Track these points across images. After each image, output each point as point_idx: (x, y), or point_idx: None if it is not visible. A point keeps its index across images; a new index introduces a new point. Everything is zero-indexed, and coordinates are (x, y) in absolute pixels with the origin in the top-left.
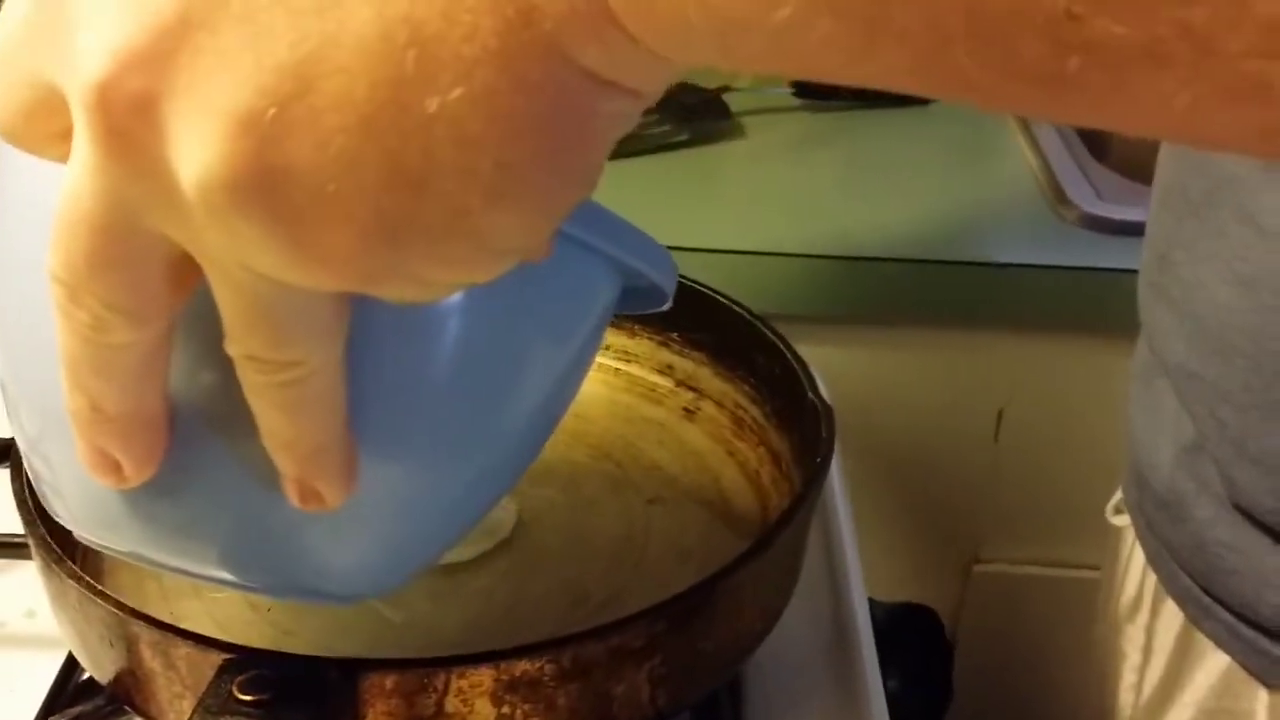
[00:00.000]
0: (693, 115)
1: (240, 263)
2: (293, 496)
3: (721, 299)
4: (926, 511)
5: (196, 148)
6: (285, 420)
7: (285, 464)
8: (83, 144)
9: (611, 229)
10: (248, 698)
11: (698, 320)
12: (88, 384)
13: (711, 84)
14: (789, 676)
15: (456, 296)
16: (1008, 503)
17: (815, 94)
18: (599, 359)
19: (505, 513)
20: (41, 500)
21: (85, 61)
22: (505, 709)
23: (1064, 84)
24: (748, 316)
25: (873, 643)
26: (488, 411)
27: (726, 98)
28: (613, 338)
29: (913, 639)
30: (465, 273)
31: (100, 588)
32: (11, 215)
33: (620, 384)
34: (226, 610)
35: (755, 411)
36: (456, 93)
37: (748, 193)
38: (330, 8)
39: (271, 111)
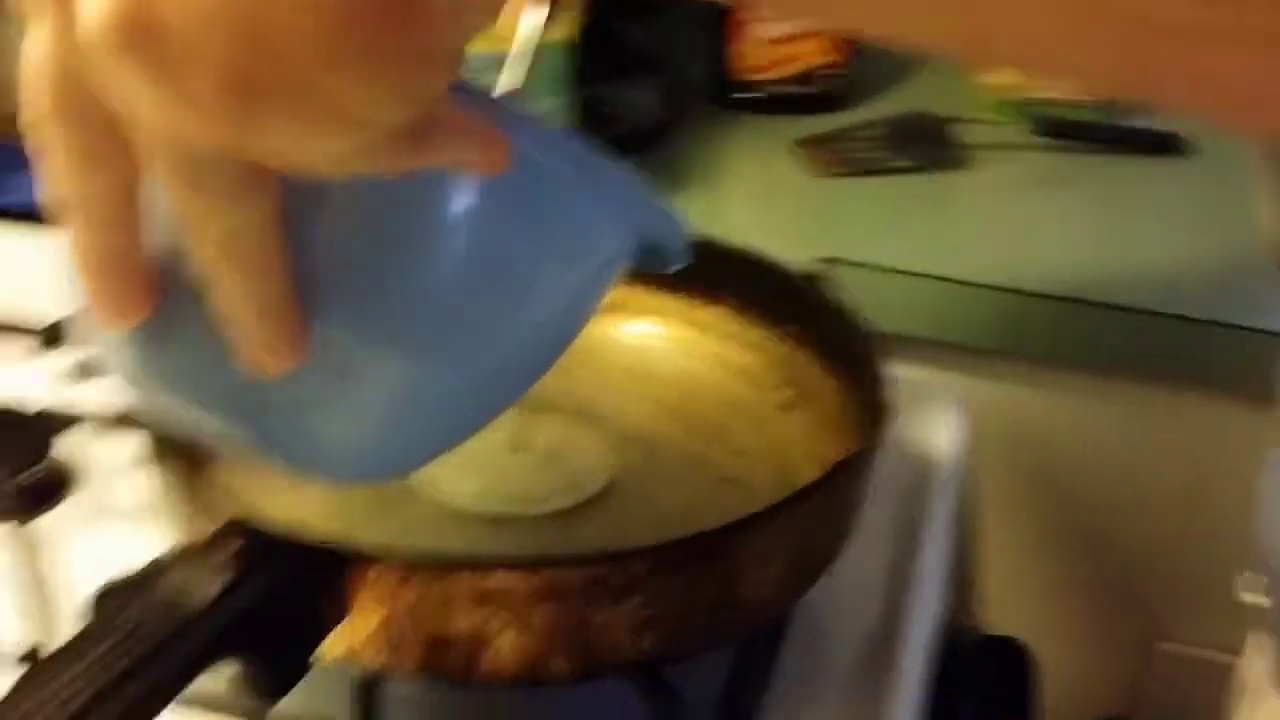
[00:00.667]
0: (919, 141)
1: (145, 110)
2: (241, 356)
3: (833, 304)
4: (1114, 581)
5: (92, 5)
6: (222, 275)
7: (230, 324)
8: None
9: (626, 190)
10: (224, 554)
11: (810, 320)
12: (79, 222)
13: (942, 112)
14: (820, 662)
15: (457, 206)
16: (1198, 580)
17: (1057, 133)
18: (720, 348)
19: (599, 469)
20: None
21: None
22: (482, 616)
23: None
24: (854, 322)
25: (920, 667)
26: (473, 322)
27: (960, 129)
28: (735, 328)
29: (992, 669)
30: (328, 137)
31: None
32: None
33: (732, 371)
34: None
35: (845, 411)
36: None
37: (963, 223)
38: None
39: None
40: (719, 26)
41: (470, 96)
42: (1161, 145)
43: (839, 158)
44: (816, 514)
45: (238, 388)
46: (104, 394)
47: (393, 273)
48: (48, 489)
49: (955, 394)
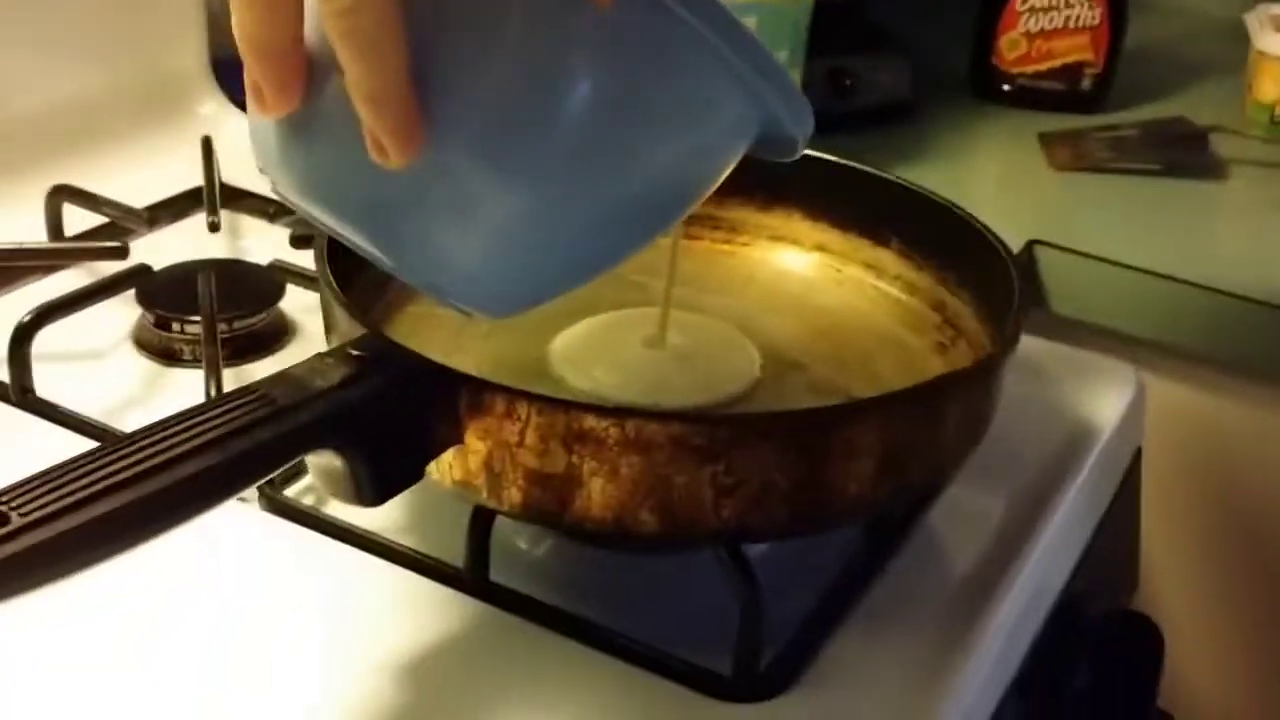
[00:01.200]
0: (1171, 146)
1: None
2: (369, 148)
3: (998, 247)
4: (1263, 589)
5: None
6: (346, 56)
7: (359, 108)
8: None
9: (759, 59)
10: (353, 351)
11: (973, 263)
12: (235, 5)
13: (1203, 121)
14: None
15: (589, 43)
16: None
17: None
18: (887, 288)
19: (741, 374)
20: (256, 159)
21: None
22: (575, 458)
23: None
24: (1005, 260)
25: (1019, 619)
26: (595, 158)
27: (1219, 141)
28: (901, 269)
29: (1121, 640)
30: None
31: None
32: None
33: (896, 312)
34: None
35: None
36: None
37: (1201, 230)
38: None
39: None
40: (986, 15)
41: None
42: None
43: (1080, 152)
44: (909, 419)
45: (374, 198)
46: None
47: (517, 99)
48: (270, 336)
49: (1135, 371)
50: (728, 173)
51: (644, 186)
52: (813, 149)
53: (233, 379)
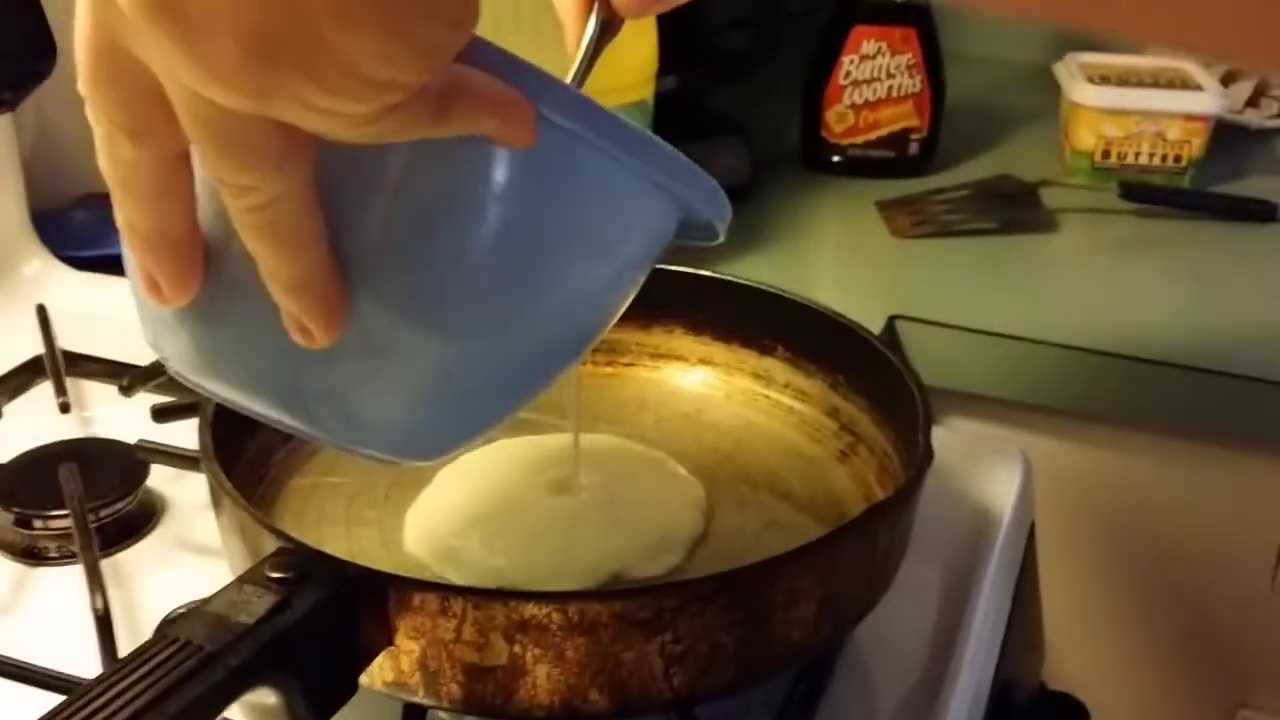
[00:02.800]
0: (1005, 204)
1: (173, 78)
2: (288, 328)
3: (883, 351)
4: (1190, 644)
5: None
6: (263, 249)
7: (275, 294)
8: None
9: (662, 158)
10: (275, 575)
11: (864, 369)
12: (121, 200)
13: (1030, 177)
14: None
15: (497, 182)
16: None
17: (1144, 198)
18: (778, 397)
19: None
20: (144, 333)
21: None
22: (517, 648)
23: None
24: (901, 370)
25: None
26: (513, 297)
27: (1046, 193)
28: (790, 377)
29: None
30: (347, 99)
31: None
32: None
33: (791, 421)
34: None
35: (897, 460)
36: None
37: (1047, 284)
38: None
39: None
40: (811, 91)
41: (501, 65)
42: (1249, 212)
43: (921, 218)
44: (848, 557)
45: (280, 370)
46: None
47: (428, 249)
48: (140, 519)
49: (1021, 449)
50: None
51: (570, 311)
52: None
53: (110, 573)
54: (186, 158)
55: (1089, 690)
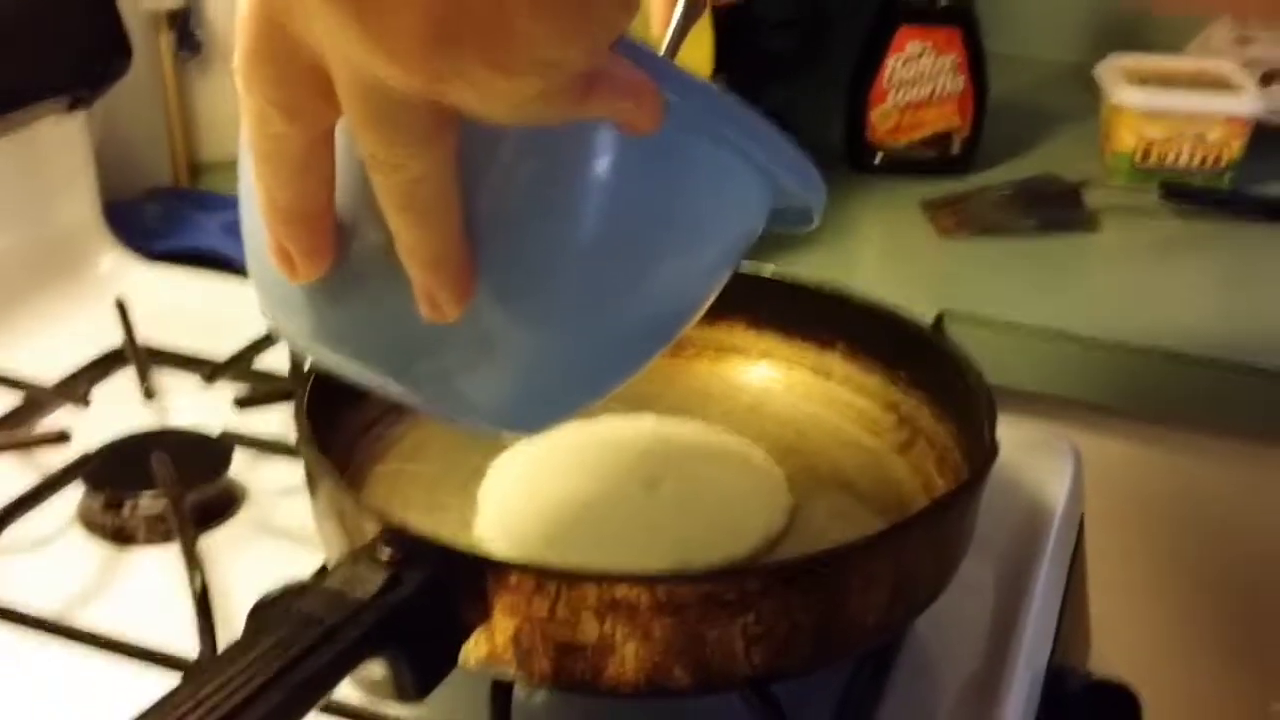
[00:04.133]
0: (1048, 203)
1: (345, 59)
2: (420, 305)
3: (945, 347)
4: (1236, 635)
5: None
6: (403, 224)
7: (411, 270)
8: None
9: (771, 144)
10: (386, 554)
11: (924, 364)
12: (262, 172)
13: (1073, 177)
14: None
15: (610, 166)
16: None
17: (1184, 198)
18: (837, 391)
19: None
20: (267, 322)
21: None
22: (607, 626)
23: None
24: (963, 365)
25: (1024, 703)
26: (620, 282)
27: (1088, 193)
28: (849, 371)
29: (1100, 713)
30: (518, 81)
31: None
32: None
33: (850, 415)
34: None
35: (957, 453)
36: None
37: (1090, 283)
38: None
39: None
40: (856, 91)
41: (626, 48)
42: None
43: (964, 218)
44: (919, 545)
45: (392, 343)
46: (271, 421)
47: (538, 233)
48: (222, 505)
49: (1071, 443)
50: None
51: (673, 293)
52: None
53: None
54: (331, 135)
55: (1134, 678)
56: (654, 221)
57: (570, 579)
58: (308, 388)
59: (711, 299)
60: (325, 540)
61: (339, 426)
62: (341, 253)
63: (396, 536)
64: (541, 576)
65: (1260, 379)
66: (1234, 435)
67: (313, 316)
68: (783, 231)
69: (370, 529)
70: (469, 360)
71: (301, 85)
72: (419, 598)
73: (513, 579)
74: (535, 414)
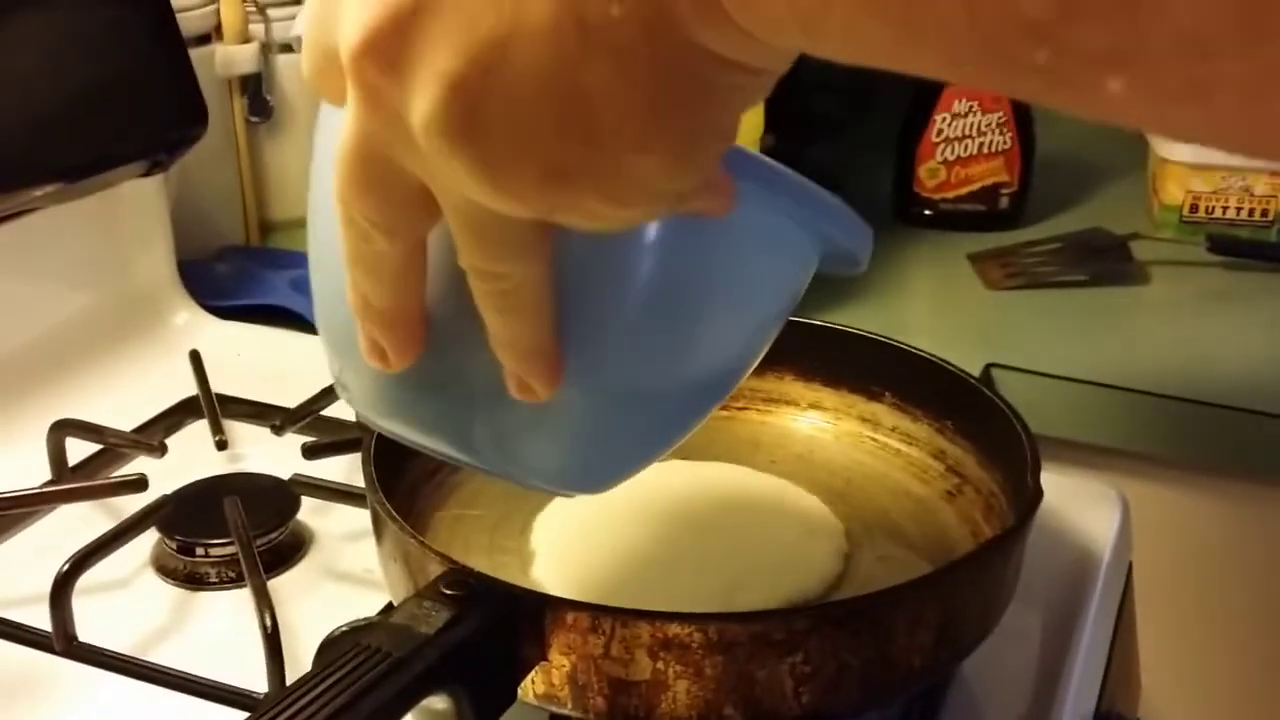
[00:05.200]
0: (1096, 256)
1: (457, 191)
2: (512, 388)
3: (991, 396)
4: (1277, 686)
5: (423, 101)
6: (503, 324)
7: (506, 360)
8: (350, 96)
9: (817, 203)
10: (449, 592)
11: (970, 413)
12: (361, 282)
13: (1121, 230)
14: None
15: (663, 238)
16: None
17: (1231, 251)
18: (885, 439)
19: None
20: (336, 389)
21: (346, 33)
22: (660, 664)
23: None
24: (1008, 414)
25: None
26: (672, 349)
27: (1135, 246)
28: (897, 421)
29: None
30: (629, 209)
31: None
32: (324, 158)
33: (898, 463)
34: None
35: (1004, 500)
36: (606, 68)
37: (1138, 335)
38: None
39: (477, 78)
40: (904, 148)
41: None
42: None
43: (1013, 270)
44: (965, 588)
45: (453, 414)
46: (337, 469)
47: (593, 304)
48: (290, 549)
49: (1118, 492)
50: None
51: (724, 355)
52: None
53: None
54: (425, 240)
55: None
56: (708, 287)
57: (624, 617)
58: (374, 438)
59: (762, 355)
60: (391, 583)
61: (402, 474)
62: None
63: (460, 576)
64: (597, 615)
65: None
66: (1275, 483)
67: (382, 386)
68: (832, 275)
69: (434, 570)
70: (529, 426)
71: (405, 208)
72: (481, 634)
73: (569, 617)
74: (594, 476)
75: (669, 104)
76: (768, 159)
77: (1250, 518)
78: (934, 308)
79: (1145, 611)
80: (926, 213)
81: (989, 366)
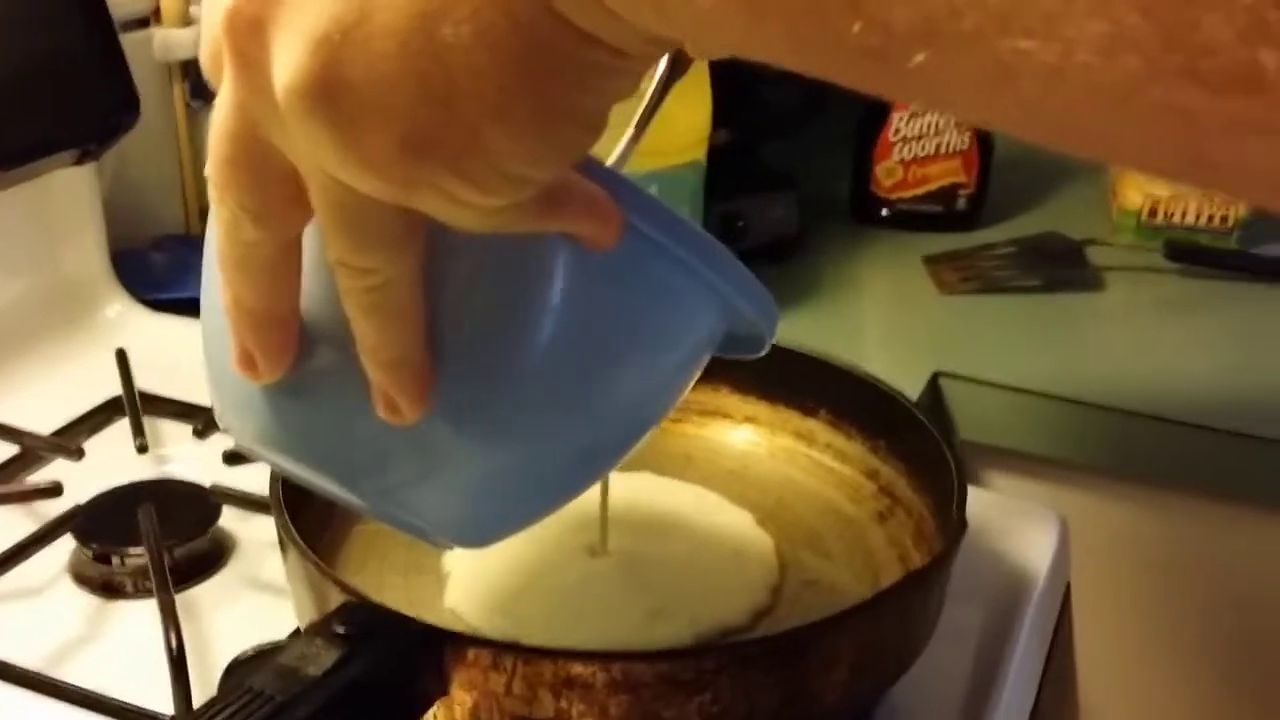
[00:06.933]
0: (1051, 261)
1: (319, 166)
2: (377, 404)
3: (923, 420)
4: (1229, 706)
5: (286, 60)
6: (369, 328)
7: (370, 369)
8: (225, 71)
9: (723, 264)
10: (339, 630)
11: (903, 434)
12: (232, 277)
13: (1079, 235)
14: None
15: (563, 284)
16: None
17: (1188, 258)
18: (819, 457)
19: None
20: (214, 409)
21: (223, 4)
22: (564, 703)
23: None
24: (939, 439)
25: None
26: (569, 404)
27: (1092, 251)
28: (831, 438)
29: None
30: (486, 194)
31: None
32: None
33: (831, 481)
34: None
35: (933, 525)
36: (466, 27)
37: (1092, 343)
38: None
39: (338, 36)
40: (861, 146)
41: (586, 165)
42: None
43: (968, 274)
44: (883, 624)
45: (340, 451)
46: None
47: (489, 351)
48: (210, 558)
49: (1057, 509)
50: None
51: (621, 414)
52: None
53: (183, 608)
54: (300, 240)
55: None
56: (606, 337)
57: (526, 655)
58: None
59: (664, 416)
60: (296, 606)
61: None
62: (300, 356)
63: (353, 610)
64: (498, 652)
65: (1261, 446)
66: (1231, 501)
67: (266, 420)
68: (735, 358)
69: (335, 599)
70: (418, 472)
71: (274, 191)
72: (375, 673)
73: (470, 654)
74: (482, 529)
75: (527, 70)
76: (668, 208)
77: (1200, 536)
78: (886, 311)
79: (1088, 631)
80: (883, 212)
81: (936, 375)
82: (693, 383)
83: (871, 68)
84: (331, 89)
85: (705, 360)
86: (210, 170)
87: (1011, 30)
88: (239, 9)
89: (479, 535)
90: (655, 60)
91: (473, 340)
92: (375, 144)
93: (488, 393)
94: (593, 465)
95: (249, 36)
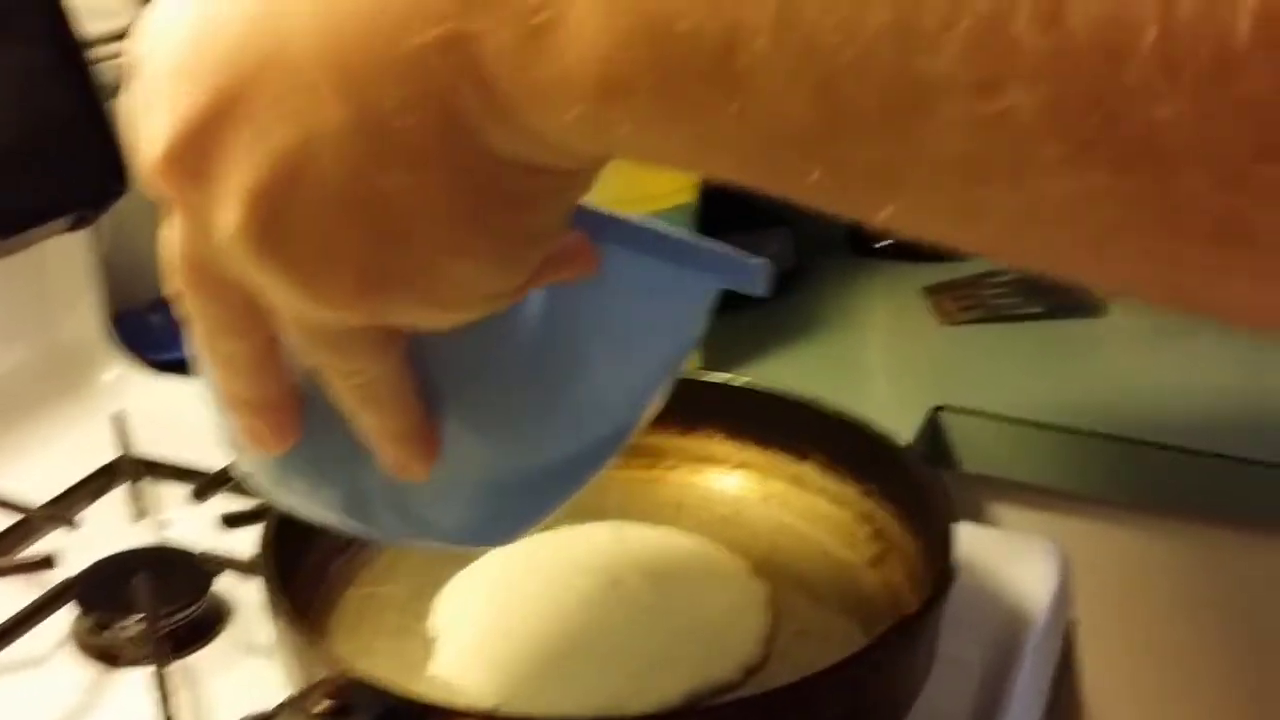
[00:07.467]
0: (1051, 288)
1: (283, 301)
2: (387, 469)
3: (915, 465)
4: None
5: (226, 215)
6: (366, 414)
7: (375, 448)
8: (168, 203)
9: (689, 252)
10: (319, 710)
11: (894, 478)
12: (221, 377)
13: None
14: None
15: (536, 309)
16: None
17: None
18: (813, 501)
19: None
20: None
21: (147, 144)
22: None
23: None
24: (931, 483)
25: None
26: (557, 408)
27: None
28: (824, 483)
29: None
30: (455, 311)
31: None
32: None
33: (825, 527)
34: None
35: (927, 568)
36: (406, 177)
37: (1095, 369)
38: (312, 109)
39: (275, 186)
40: None
41: None
42: None
43: (969, 303)
44: (871, 678)
45: (345, 484)
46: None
47: (477, 370)
48: (206, 625)
49: (1064, 540)
50: None
51: (618, 402)
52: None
53: (180, 676)
54: (272, 340)
55: None
56: (590, 340)
57: None
58: (277, 517)
59: (656, 406)
60: (286, 670)
61: (312, 549)
62: (306, 410)
63: (336, 685)
64: None
65: (1268, 472)
66: (1239, 529)
67: (269, 462)
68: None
69: (319, 672)
70: (416, 491)
71: (241, 309)
72: None
73: None
74: (482, 534)
75: (471, 210)
76: (628, 216)
77: (1213, 565)
78: (887, 343)
79: (1095, 662)
80: (881, 243)
81: (937, 409)
82: (680, 369)
83: (834, 204)
84: (277, 240)
85: (694, 343)
86: (173, 293)
87: (974, 179)
88: (170, 157)
89: (478, 539)
90: (603, 165)
91: (462, 365)
92: (331, 284)
93: (478, 407)
94: (597, 453)
95: (190, 186)
